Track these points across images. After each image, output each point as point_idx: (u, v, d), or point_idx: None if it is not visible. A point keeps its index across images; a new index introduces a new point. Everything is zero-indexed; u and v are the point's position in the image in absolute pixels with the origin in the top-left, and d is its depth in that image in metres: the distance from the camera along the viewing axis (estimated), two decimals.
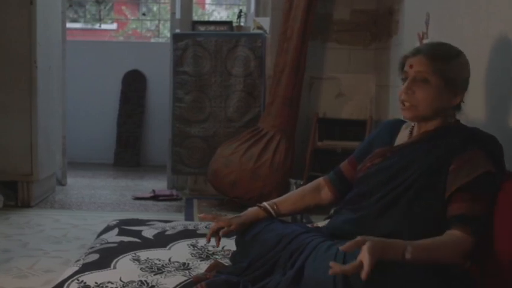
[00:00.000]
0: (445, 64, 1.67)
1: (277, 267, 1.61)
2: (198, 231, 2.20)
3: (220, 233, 1.82)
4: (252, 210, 1.88)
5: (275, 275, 1.57)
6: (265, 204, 1.90)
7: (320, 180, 1.98)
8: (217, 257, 1.93)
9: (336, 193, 1.93)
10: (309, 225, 1.98)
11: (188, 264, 1.84)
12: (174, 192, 4.76)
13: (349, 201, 1.80)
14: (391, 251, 1.42)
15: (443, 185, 1.61)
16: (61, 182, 5.06)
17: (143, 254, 1.91)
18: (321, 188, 1.96)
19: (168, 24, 7.15)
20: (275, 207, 1.89)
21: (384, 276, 1.37)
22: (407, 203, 1.64)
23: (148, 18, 10.62)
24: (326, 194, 1.95)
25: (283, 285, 1.51)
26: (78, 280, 1.67)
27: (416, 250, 1.45)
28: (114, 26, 11.76)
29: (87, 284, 1.65)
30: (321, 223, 2.08)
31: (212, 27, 4.83)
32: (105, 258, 1.85)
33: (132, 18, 11.71)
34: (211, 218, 1.89)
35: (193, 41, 4.60)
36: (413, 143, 1.74)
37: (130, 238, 2.08)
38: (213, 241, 1.92)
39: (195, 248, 2.00)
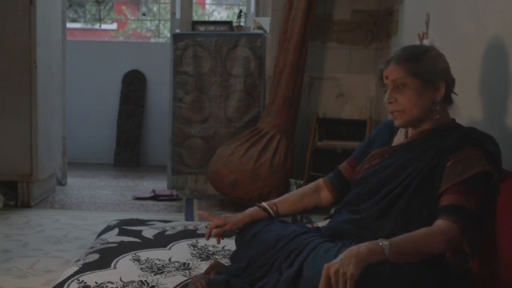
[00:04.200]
0: (415, 63, 1.68)
1: (275, 267, 1.60)
2: (198, 231, 2.21)
3: (213, 232, 1.83)
4: (251, 210, 1.88)
5: (271, 275, 1.57)
6: (264, 204, 1.90)
7: (320, 181, 1.98)
8: (217, 257, 1.93)
9: (336, 194, 1.94)
10: (309, 226, 1.98)
11: (188, 264, 1.84)
12: (174, 192, 4.76)
13: (348, 203, 1.79)
14: (370, 254, 1.41)
15: (439, 182, 1.61)
16: (61, 182, 5.06)
17: (143, 254, 1.91)
18: (320, 189, 1.96)
19: (168, 24, 7.15)
20: (274, 207, 1.89)
21: (382, 278, 1.38)
22: (406, 202, 1.63)
23: (148, 18, 10.62)
24: (325, 195, 1.95)
25: (282, 285, 1.51)
26: (78, 280, 1.67)
27: (395, 245, 1.44)
28: (114, 26, 11.77)
29: (87, 284, 1.65)
30: (321, 223, 2.08)
31: (212, 27, 4.82)
32: (105, 258, 1.85)
33: (132, 18, 11.72)
34: (208, 216, 1.90)
35: (193, 41, 4.61)
36: (410, 142, 1.75)
37: (130, 238, 2.08)
38: (212, 241, 1.91)
39: (195, 248, 2.00)
